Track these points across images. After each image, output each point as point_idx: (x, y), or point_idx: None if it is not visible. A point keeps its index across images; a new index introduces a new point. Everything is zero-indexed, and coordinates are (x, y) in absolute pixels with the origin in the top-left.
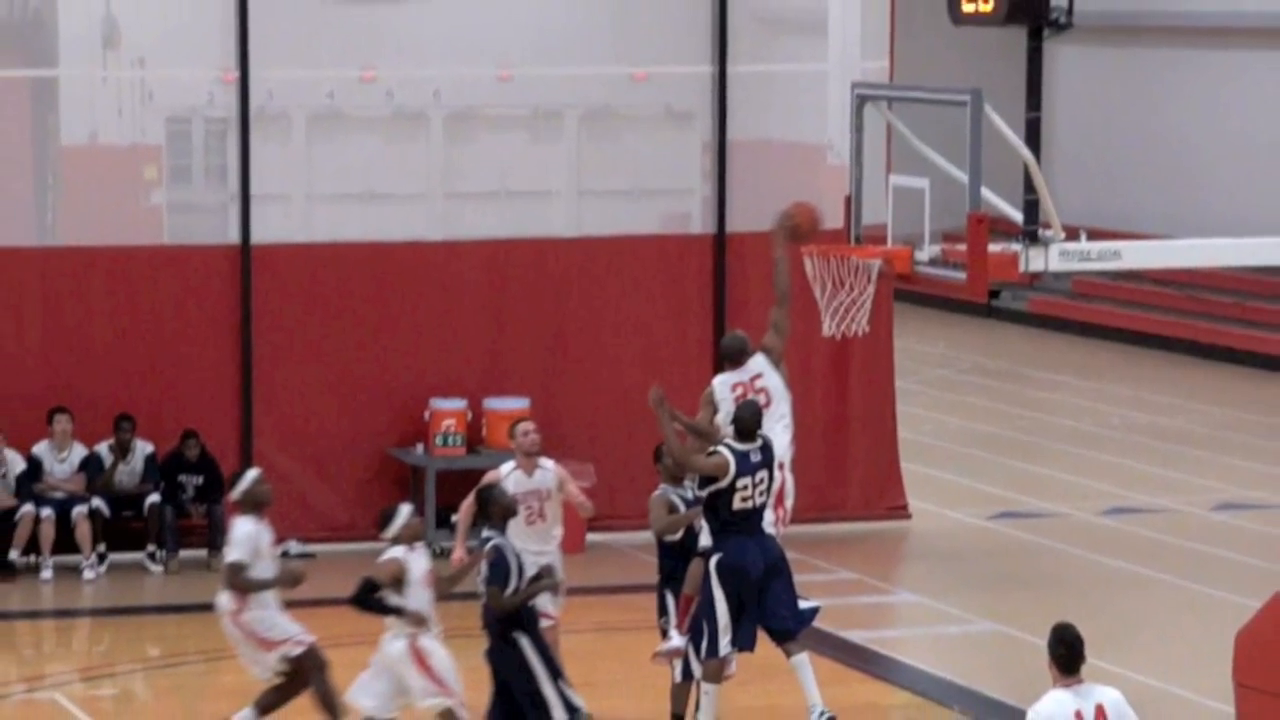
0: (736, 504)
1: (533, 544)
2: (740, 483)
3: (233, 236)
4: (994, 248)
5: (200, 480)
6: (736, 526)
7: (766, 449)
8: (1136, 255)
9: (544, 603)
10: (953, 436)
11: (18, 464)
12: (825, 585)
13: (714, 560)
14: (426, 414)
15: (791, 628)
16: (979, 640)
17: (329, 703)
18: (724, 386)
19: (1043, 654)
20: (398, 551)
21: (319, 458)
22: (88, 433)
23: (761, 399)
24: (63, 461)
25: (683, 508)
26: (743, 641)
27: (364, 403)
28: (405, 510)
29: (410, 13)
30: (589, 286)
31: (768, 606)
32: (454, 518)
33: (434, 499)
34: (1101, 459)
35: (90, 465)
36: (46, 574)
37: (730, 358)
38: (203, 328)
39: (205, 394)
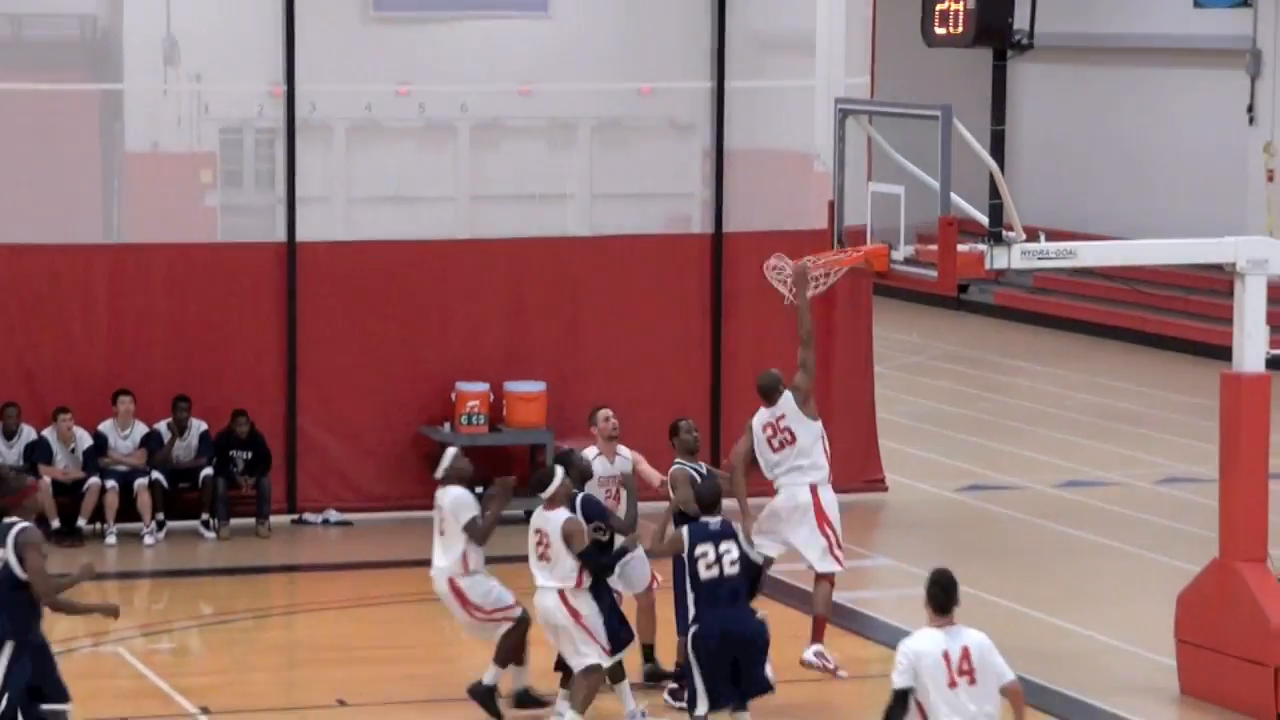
0: (702, 573)
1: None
2: (699, 550)
3: (279, 235)
4: (962, 247)
5: (249, 455)
6: (708, 598)
7: (728, 524)
8: (1091, 254)
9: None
10: (925, 417)
11: (85, 440)
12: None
13: (691, 631)
14: (453, 395)
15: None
16: None
17: (514, 654)
18: (759, 423)
19: (1006, 613)
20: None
21: (356, 435)
22: (148, 412)
23: (787, 436)
24: (125, 438)
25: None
26: (722, 703)
27: (396, 385)
28: (560, 472)
29: (441, 33)
30: (600, 280)
31: (739, 676)
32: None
33: None
34: (1058, 437)
35: (150, 441)
36: (110, 539)
37: (763, 394)
38: (252, 317)
39: (254, 377)
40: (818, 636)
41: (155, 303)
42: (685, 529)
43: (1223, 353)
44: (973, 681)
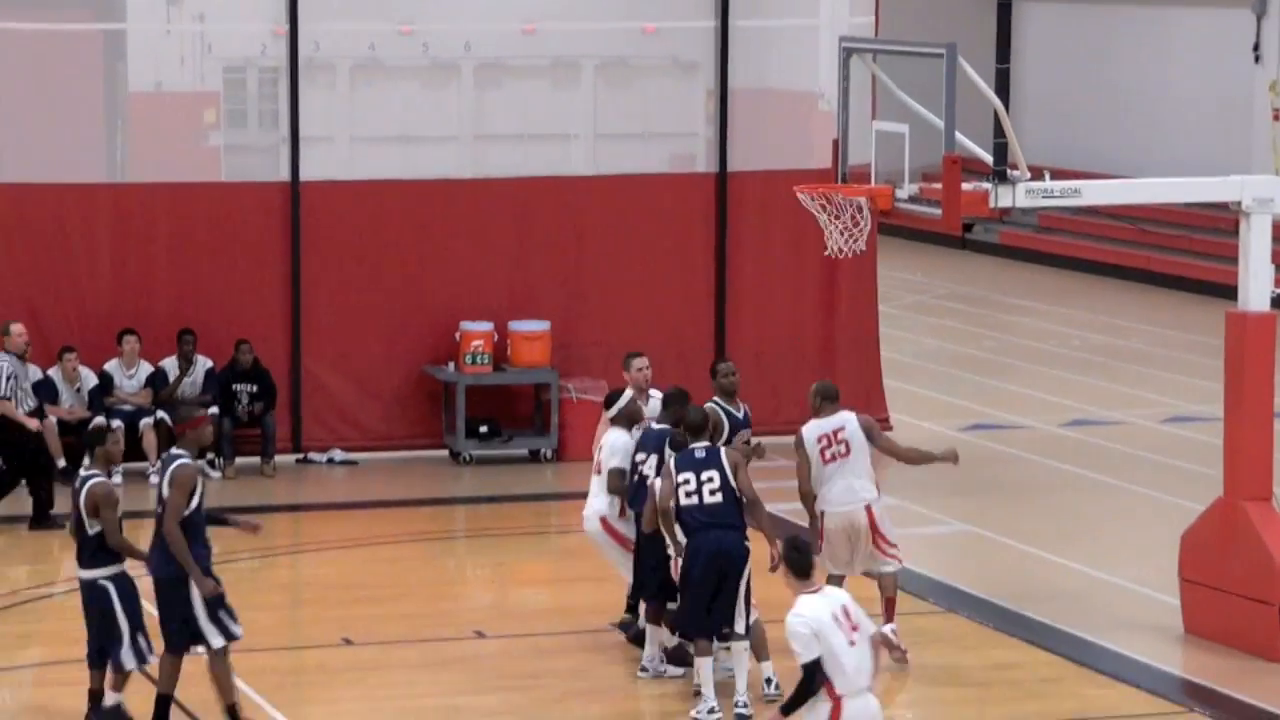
0: (681, 500)
1: None
2: (681, 477)
3: (283, 174)
4: (967, 186)
5: (254, 388)
6: (688, 525)
7: (714, 451)
8: (1095, 193)
9: None
10: (930, 356)
11: (90, 380)
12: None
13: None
14: (457, 335)
15: (724, 634)
16: (951, 539)
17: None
18: (811, 435)
19: (1010, 551)
20: None
21: (360, 375)
22: (153, 352)
23: (842, 449)
24: (131, 377)
25: (725, 421)
26: (696, 632)
27: (401, 324)
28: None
29: None
30: (604, 219)
31: (713, 609)
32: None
33: (464, 412)
34: (1063, 376)
35: (156, 380)
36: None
37: (829, 398)
38: (256, 257)
39: (258, 316)
40: (889, 616)
41: (159, 243)
42: (672, 457)
43: (1228, 291)
44: (858, 632)
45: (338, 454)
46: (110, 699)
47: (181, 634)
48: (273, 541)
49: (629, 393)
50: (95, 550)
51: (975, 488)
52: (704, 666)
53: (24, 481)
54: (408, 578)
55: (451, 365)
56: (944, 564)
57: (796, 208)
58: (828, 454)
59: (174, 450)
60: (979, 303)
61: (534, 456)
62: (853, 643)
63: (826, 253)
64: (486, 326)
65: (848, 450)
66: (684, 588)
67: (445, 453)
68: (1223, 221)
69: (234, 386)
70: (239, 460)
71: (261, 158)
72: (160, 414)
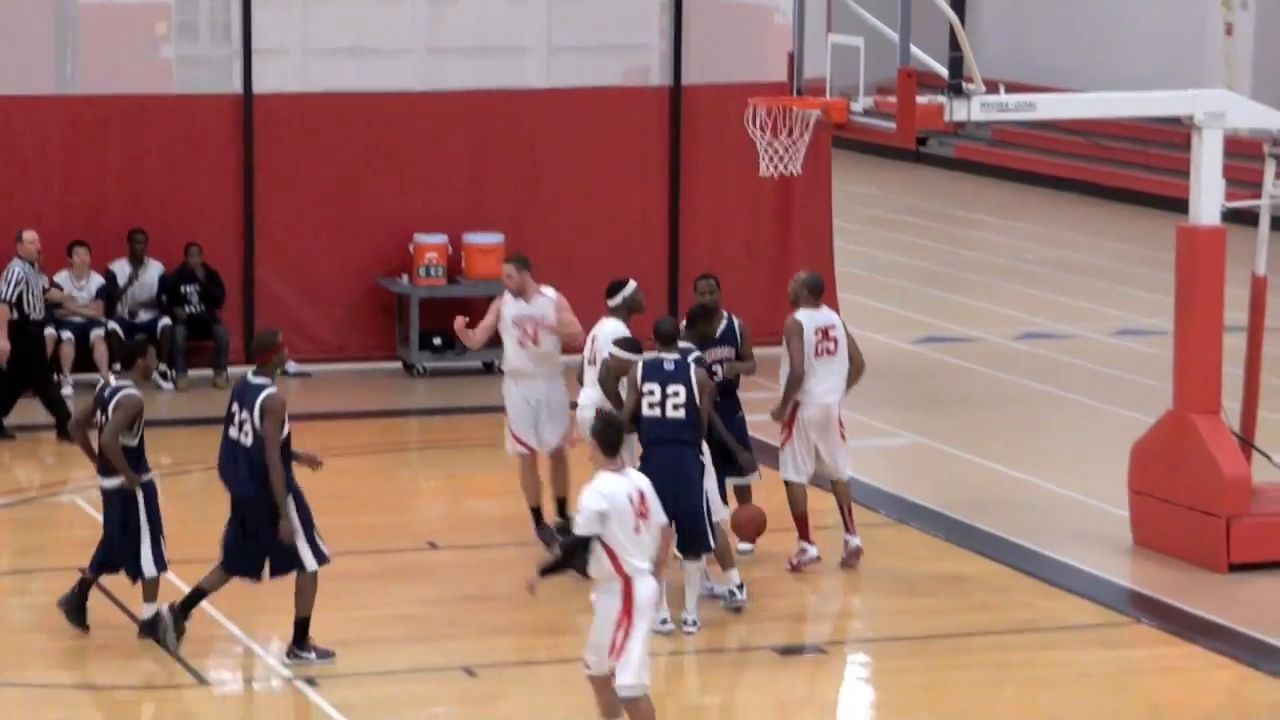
0: (644, 410)
1: (528, 365)
2: (646, 387)
3: (236, 87)
4: (921, 99)
5: (200, 287)
6: (648, 437)
7: (684, 365)
8: (1049, 106)
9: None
10: (884, 269)
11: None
12: (768, 402)
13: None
14: (411, 247)
15: (683, 549)
16: (903, 451)
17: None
18: (809, 325)
19: (962, 463)
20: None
21: (314, 286)
22: (104, 265)
23: (831, 345)
24: (81, 289)
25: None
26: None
27: (354, 236)
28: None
29: None
30: (558, 133)
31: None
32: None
33: (417, 324)
34: (1015, 289)
35: (107, 285)
36: (67, 390)
37: (815, 291)
38: (209, 169)
39: (211, 229)
40: (851, 528)
41: (110, 156)
42: (640, 362)
43: (1180, 206)
44: (647, 521)
45: (291, 366)
46: (147, 610)
47: (287, 556)
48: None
49: (633, 284)
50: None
51: (927, 400)
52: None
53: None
54: (361, 490)
55: (405, 277)
56: (895, 476)
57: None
58: (820, 348)
59: (254, 378)
60: (933, 216)
61: (487, 369)
62: (637, 529)
63: (761, 173)
64: (440, 239)
65: (835, 348)
66: None
67: (399, 365)
68: (1175, 136)
69: (182, 288)
70: (191, 373)
71: (214, 70)
72: (112, 325)
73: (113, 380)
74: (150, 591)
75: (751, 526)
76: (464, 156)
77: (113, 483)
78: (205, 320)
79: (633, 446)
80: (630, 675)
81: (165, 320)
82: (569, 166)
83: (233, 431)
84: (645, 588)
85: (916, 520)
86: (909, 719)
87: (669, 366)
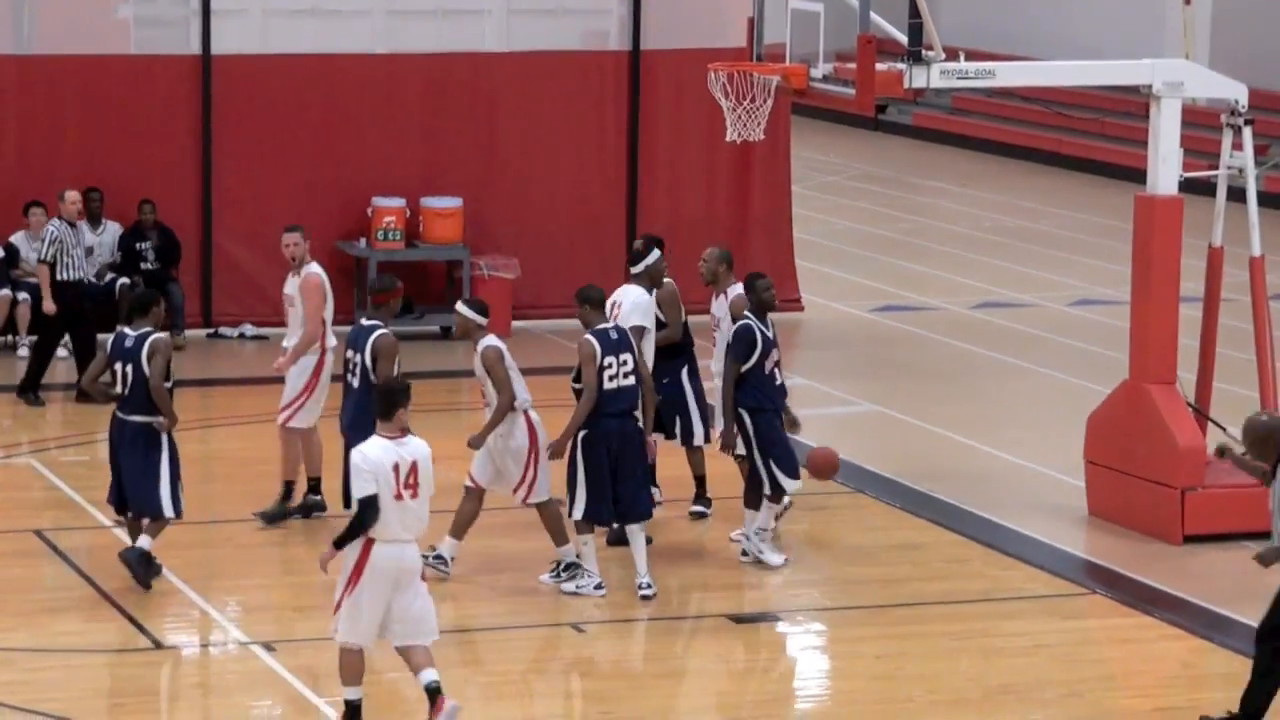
0: (605, 384)
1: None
2: (607, 360)
3: (194, 47)
4: (881, 66)
5: (155, 243)
6: (604, 408)
7: (624, 332)
8: (1009, 74)
9: None
10: (842, 237)
11: None
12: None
13: (581, 434)
14: (369, 210)
15: (630, 517)
16: (860, 419)
17: None
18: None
19: (918, 432)
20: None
21: (272, 249)
22: None
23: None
24: (37, 250)
25: (759, 339)
26: (595, 516)
27: (312, 199)
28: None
29: None
30: (517, 97)
31: (618, 491)
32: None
33: None
34: (974, 258)
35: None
36: (23, 352)
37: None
38: (166, 131)
39: (169, 190)
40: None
41: (68, 116)
42: (595, 339)
43: (1138, 175)
44: (415, 495)
45: (249, 329)
46: (144, 542)
47: None
48: (183, 416)
49: (656, 252)
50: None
51: (884, 369)
52: (589, 542)
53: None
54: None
55: (363, 241)
56: (852, 445)
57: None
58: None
59: (367, 321)
60: (891, 184)
61: (445, 333)
62: (400, 496)
63: (727, 139)
64: (399, 202)
65: (717, 326)
66: (588, 473)
67: None
68: (1134, 105)
69: (137, 245)
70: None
71: (172, 30)
72: (124, 280)
73: (130, 330)
74: (155, 531)
75: (827, 466)
76: (423, 119)
77: (139, 419)
78: (161, 278)
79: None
80: (343, 628)
81: (123, 279)
82: (528, 131)
83: (348, 377)
84: (383, 554)
85: (873, 489)
86: (864, 687)
87: (614, 335)
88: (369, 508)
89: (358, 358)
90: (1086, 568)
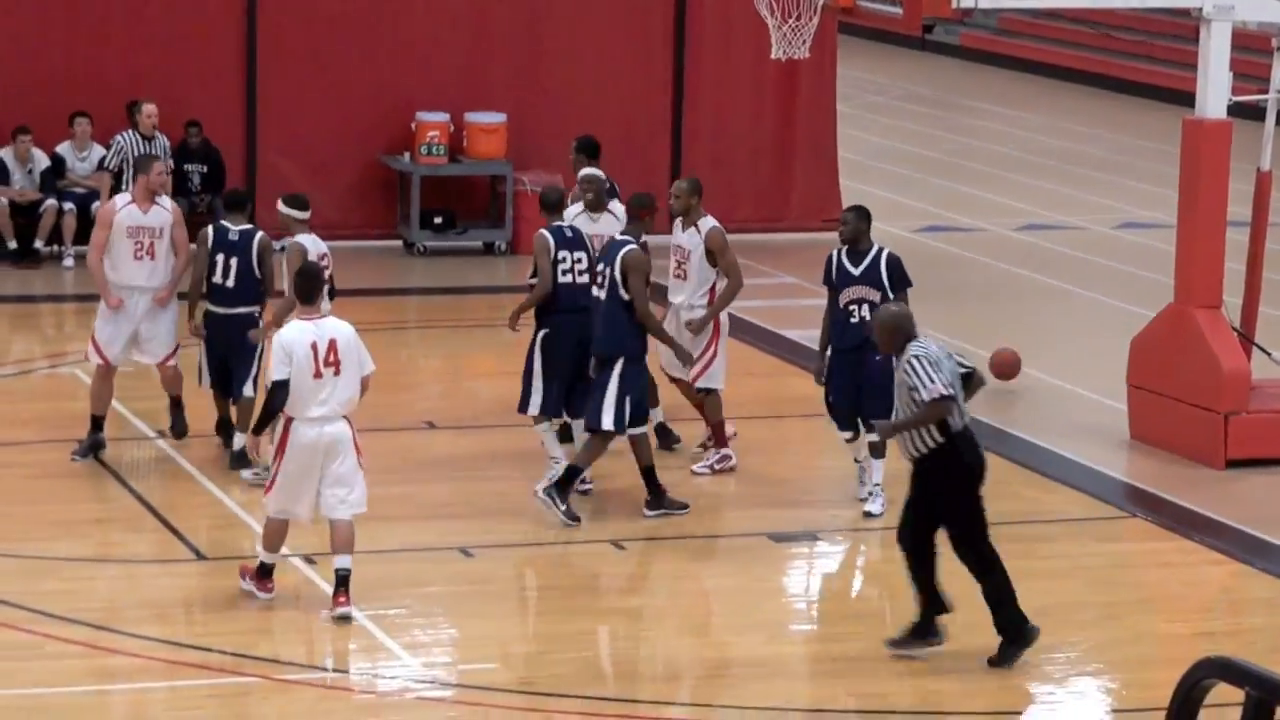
0: (560, 277)
1: (141, 279)
2: (560, 254)
3: None
4: None
5: (204, 169)
6: (560, 304)
7: (578, 231)
8: None
9: None
10: (886, 157)
11: (43, 161)
12: (768, 288)
13: (543, 333)
14: (413, 125)
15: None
16: None
17: None
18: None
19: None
20: None
21: (316, 163)
22: (105, 136)
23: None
24: (83, 160)
25: (835, 273)
26: (549, 410)
27: (357, 112)
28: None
29: None
30: (562, 11)
31: (576, 391)
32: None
33: (418, 203)
34: (1019, 180)
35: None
36: (68, 262)
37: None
38: (212, 46)
39: (213, 102)
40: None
41: (112, 30)
42: (549, 234)
43: (1185, 99)
44: (337, 372)
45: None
46: (239, 441)
47: (636, 411)
48: None
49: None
50: (252, 290)
51: (926, 290)
52: (550, 433)
53: None
54: None
55: (407, 155)
56: None
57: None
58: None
59: (620, 236)
60: (937, 105)
61: (488, 249)
62: (319, 375)
63: (772, 55)
64: (442, 117)
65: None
66: (546, 368)
67: (399, 243)
68: (1183, 28)
69: (185, 167)
70: (192, 246)
71: None
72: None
73: (231, 225)
74: (244, 420)
75: (1011, 365)
76: (467, 35)
77: (238, 311)
78: (207, 206)
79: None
80: (272, 502)
81: None
82: (572, 46)
83: (594, 290)
84: (304, 431)
85: None
86: (902, 608)
87: (569, 233)
88: (278, 390)
89: (608, 271)
90: (1127, 491)
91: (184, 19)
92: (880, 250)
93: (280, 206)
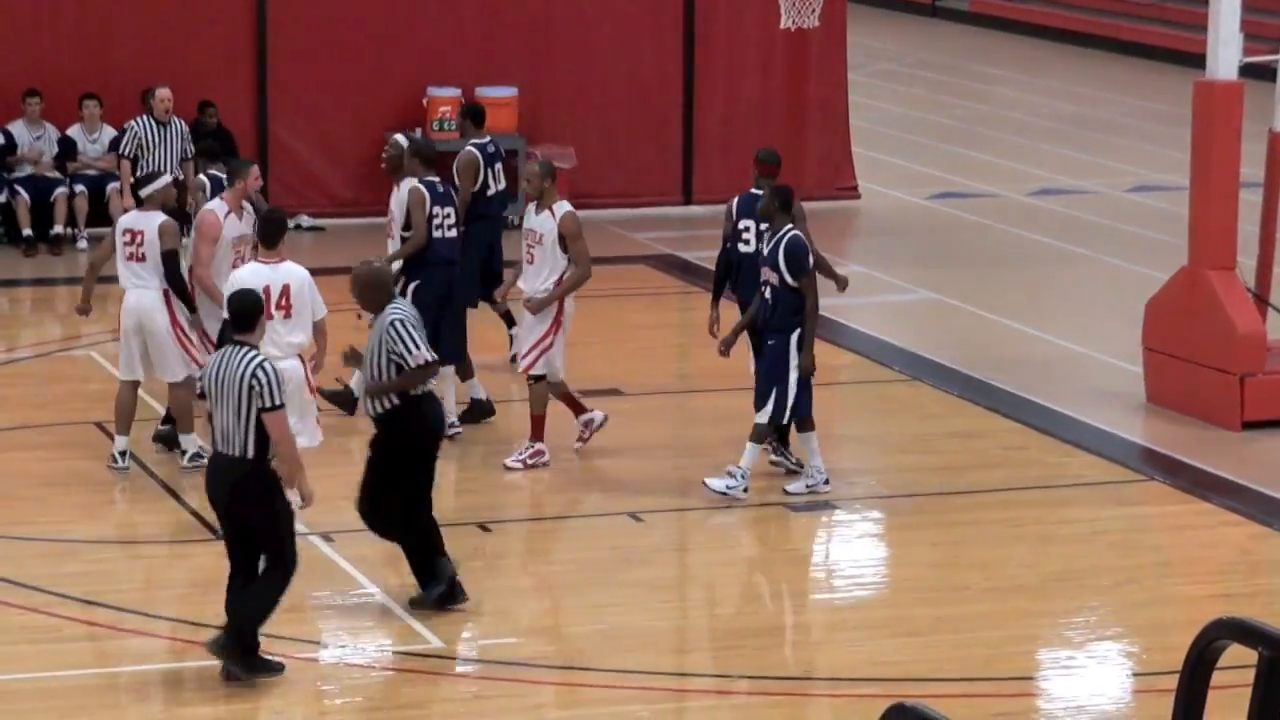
0: (433, 231)
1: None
2: (434, 209)
3: None
4: None
5: (217, 149)
6: (434, 257)
7: (447, 186)
8: None
9: None
10: (898, 124)
11: (53, 133)
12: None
13: (414, 284)
14: (424, 100)
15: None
16: (918, 307)
17: None
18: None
19: (975, 319)
20: None
21: (328, 140)
22: (116, 118)
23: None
24: (94, 142)
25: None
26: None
27: (368, 90)
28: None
29: None
30: None
31: (441, 336)
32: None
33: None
34: (1031, 145)
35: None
36: (82, 244)
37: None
38: (223, 22)
39: (224, 80)
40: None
41: (122, 6)
42: (425, 188)
43: (1197, 60)
44: (288, 315)
45: (304, 219)
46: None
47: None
48: None
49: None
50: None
51: (942, 256)
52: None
53: None
54: None
55: (419, 131)
56: (910, 332)
57: None
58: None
59: (786, 227)
60: (948, 71)
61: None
62: (269, 316)
63: (782, 25)
64: (454, 92)
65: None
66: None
67: None
68: None
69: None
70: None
71: None
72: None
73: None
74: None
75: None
76: (478, 8)
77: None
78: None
79: None
80: None
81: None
82: (584, 19)
83: (741, 247)
84: None
85: (930, 377)
86: (921, 575)
87: (441, 189)
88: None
89: (747, 222)
90: (1144, 454)
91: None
92: (786, 234)
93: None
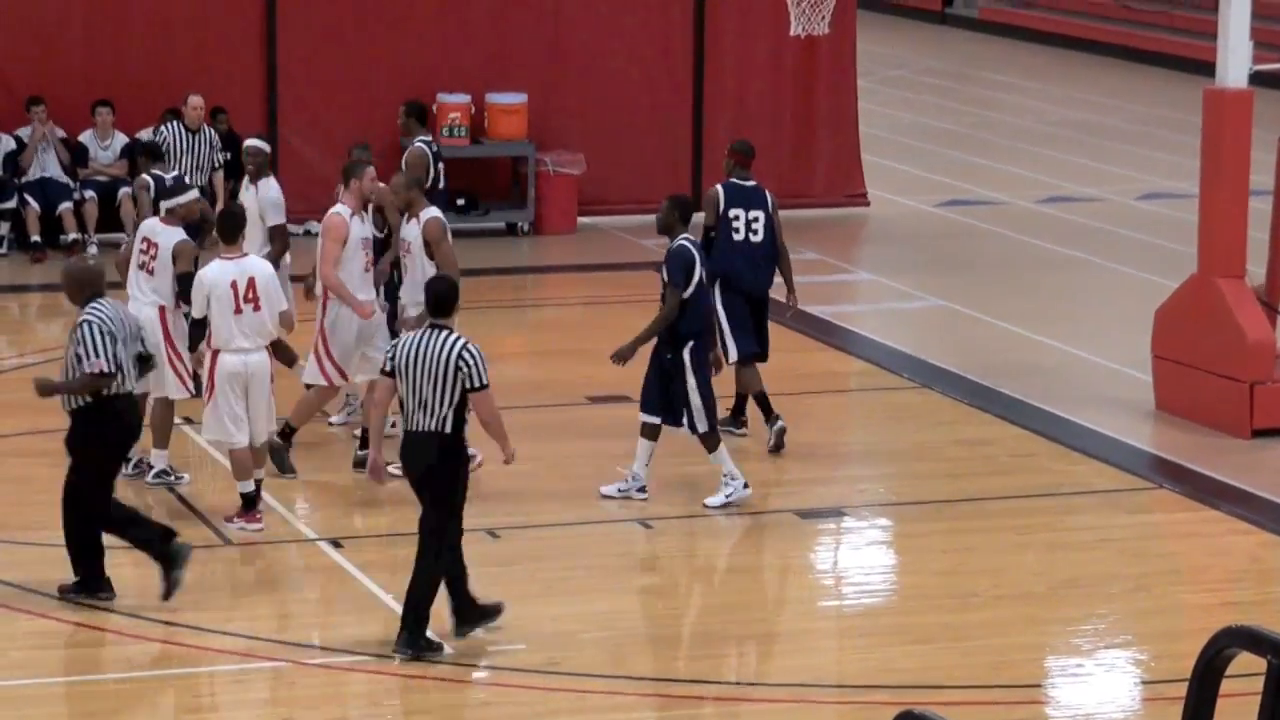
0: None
1: (370, 292)
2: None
3: None
4: None
5: (228, 155)
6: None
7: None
8: None
9: None
10: (908, 131)
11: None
12: (792, 265)
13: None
14: (434, 107)
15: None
16: (928, 314)
17: None
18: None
19: (984, 327)
20: None
21: (337, 145)
22: (126, 125)
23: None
24: (106, 149)
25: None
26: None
27: (377, 96)
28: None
29: None
30: None
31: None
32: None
33: (442, 184)
34: (1040, 152)
35: (134, 150)
36: (93, 249)
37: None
38: (233, 28)
39: (235, 87)
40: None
41: (134, 14)
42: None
43: (1206, 68)
44: (257, 308)
45: (314, 226)
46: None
47: None
48: None
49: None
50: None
51: (950, 264)
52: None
53: None
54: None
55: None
56: (918, 339)
57: None
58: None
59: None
60: (958, 78)
61: (510, 229)
62: (239, 310)
63: (791, 33)
64: (463, 99)
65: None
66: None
67: None
68: None
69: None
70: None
71: None
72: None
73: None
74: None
75: None
76: (487, 14)
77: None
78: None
79: None
80: (208, 431)
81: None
82: (593, 25)
83: (749, 235)
84: (229, 361)
85: (939, 384)
86: (930, 582)
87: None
88: (196, 325)
89: (756, 213)
90: (1153, 462)
91: (204, 4)
92: (673, 244)
93: None
